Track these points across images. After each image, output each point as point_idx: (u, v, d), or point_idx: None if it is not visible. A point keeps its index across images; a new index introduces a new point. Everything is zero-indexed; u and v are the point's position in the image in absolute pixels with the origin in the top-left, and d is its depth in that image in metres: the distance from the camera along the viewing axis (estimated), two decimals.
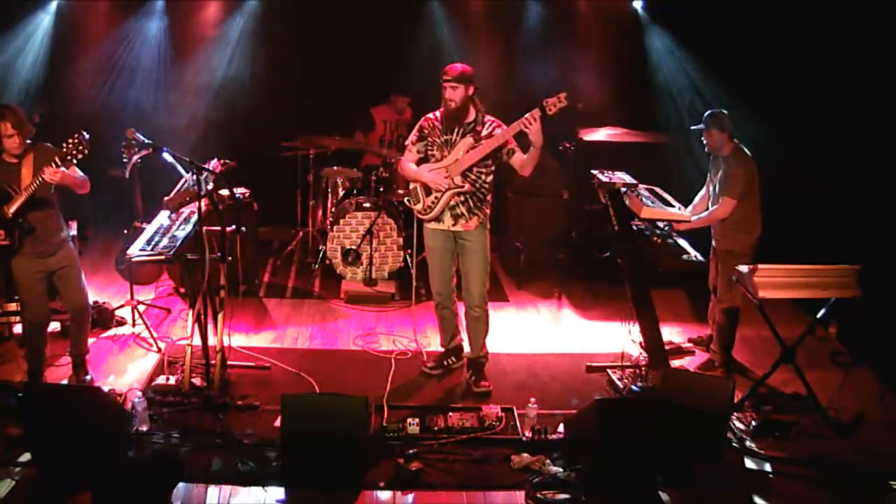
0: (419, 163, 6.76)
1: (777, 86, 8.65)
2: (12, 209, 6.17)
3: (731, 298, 7.11)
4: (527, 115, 6.25)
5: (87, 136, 6.02)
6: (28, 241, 6.31)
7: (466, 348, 7.18)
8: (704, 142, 7.15)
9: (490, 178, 6.67)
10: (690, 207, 7.43)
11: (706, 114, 7.14)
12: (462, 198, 6.62)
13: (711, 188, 7.29)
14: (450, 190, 6.59)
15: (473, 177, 6.60)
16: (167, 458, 5.60)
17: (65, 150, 6.01)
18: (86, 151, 6.03)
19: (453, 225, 6.70)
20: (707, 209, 7.25)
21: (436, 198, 6.65)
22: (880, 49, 7.61)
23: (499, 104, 7.06)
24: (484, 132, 6.54)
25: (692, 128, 7.29)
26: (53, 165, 6.01)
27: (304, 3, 10.24)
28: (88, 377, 6.83)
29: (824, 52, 8.09)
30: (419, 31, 10.50)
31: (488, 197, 6.72)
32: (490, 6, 10.65)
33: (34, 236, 6.32)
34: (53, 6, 9.96)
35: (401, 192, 9.10)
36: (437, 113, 6.71)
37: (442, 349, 7.26)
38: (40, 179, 6.06)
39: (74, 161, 6.08)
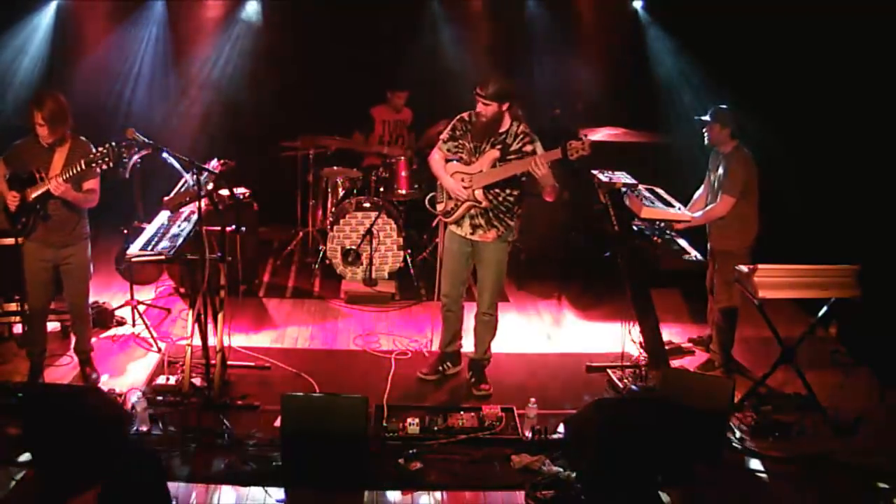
0: (448, 161, 6.66)
1: (777, 85, 8.67)
2: (33, 195, 6.29)
3: (729, 298, 7.12)
4: (537, 157, 6.17)
5: (115, 147, 6.12)
6: (41, 227, 6.41)
7: (469, 348, 7.15)
8: (705, 134, 7.16)
9: (517, 192, 6.51)
10: (689, 205, 7.43)
11: (713, 107, 7.13)
12: (481, 209, 6.52)
13: (710, 185, 7.31)
14: (468, 201, 6.50)
15: (497, 191, 6.45)
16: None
17: (92, 156, 6.13)
18: (112, 164, 6.15)
19: (471, 233, 6.61)
20: (705, 207, 7.26)
21: (456, 204, 6.58)
22: (880, 49, 7.64)
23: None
24: (513, 146, 6.38)
25: (696, 118, 7.28)
26: (78, 168, 6.13)
27: (303, 3, 10.25)
28: (95, 375, 6.87)
29: (824, 52, 8.12)
30: (419, 30, 10.54)
31: (515, 208, 6.57)
32: (490, 6, 10.69)
33: (48, 224, 6.41)
34: (53, 6, 9.99)
35: (402, 191, 9.12)
36: (471, 115, 6.54)
37: (438, 352, 7.20)
38: (46, 182, 6.19)
39: (98, 170, 6.20)
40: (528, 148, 6.38)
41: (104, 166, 6.17)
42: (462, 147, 6.56)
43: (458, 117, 6.63)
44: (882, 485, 5.70)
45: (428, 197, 6.93)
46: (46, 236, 6.45)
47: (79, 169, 6.15)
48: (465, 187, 6.47)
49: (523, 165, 6.28)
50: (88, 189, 6.46)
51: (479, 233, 6.59)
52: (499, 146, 6.39)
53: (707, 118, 7.11)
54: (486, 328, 6.91)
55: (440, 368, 7.12)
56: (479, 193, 6.45)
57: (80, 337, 6.95)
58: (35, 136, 6.32)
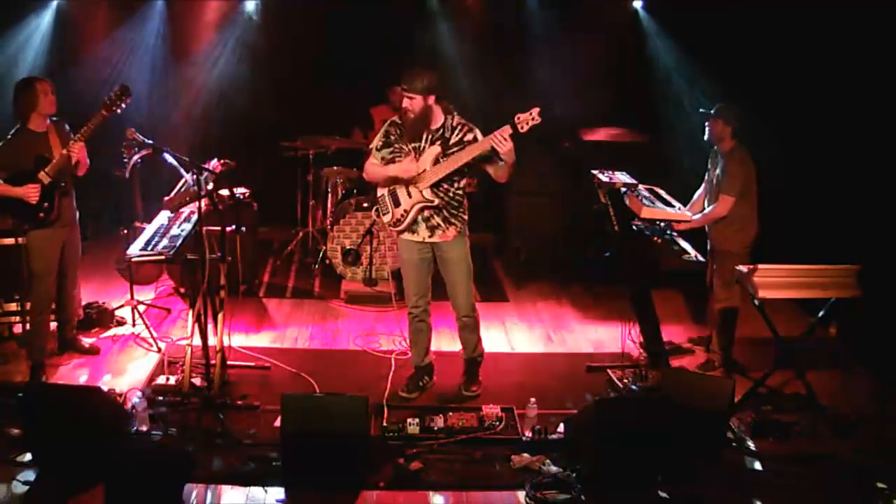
0: None
1: (777, 85, 8.67)
2: (53, 172, 6.52)
3: (729, 298, 7.13)
4: (497, 133, 5.99)
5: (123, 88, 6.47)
6: (61, 205, 6.67)
7: (458, 347, 7.12)
8: (707, 130, 7.17)
9: (463, 182, 6.42)
10: (689, 205, 7.46)
11: (719, 104, 7.14)
12: (434, 209, 6.39)
13: (709, 185, 7.33)
14: (418, 203, 6.35)
15: (445, 186, 6.34)
16: (178, 454, 5.64)
17: (108, 100, 6.39)
18: (128, 100, 6.47)
19: (430, 236, 6.46)
20: (704, 207, 7.29)
21: (405, 210, 6.41)
22: (880, 48, 7.64)
23: (497, 103, 7.04)
24: (453, 139, 6.28)
25: (701, 110, 7.27)
26: (79, 137, 6.48)
27: (303, 2, 10.28)
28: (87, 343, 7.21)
29: (824, 51, 8.13)
30: (418, 31, 10.58)
31: (465, 202, 6.48)
32: (489, 5, 10.72)
33: (65, 200, 6.69)
34: (53, 6, 10.01)
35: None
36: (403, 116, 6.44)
37: (413, 368, 7.01)
38: (66, 151, 6.49)
39: (118, 111, 6.45)
40: (469, 137, 6.26)
41: (123, 105, 6.45)
42: (399, 151, 6.41)
43: (388, 122, 6.51)
44: (881, 485, 5.68)
45: (374, 207, 6.74)
46: (64, 213, 6.69)
47: (97, 122, 6.44)
48: (408, 188, 6.37)
49: (482, 146, 6.13)
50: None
51: (438, 233, 6.44)
52: (439, 142, 6.29)
53: (711, 112, 7.12)
54: (470, 330, 6.77)
55: (420, 384, 6.94)
56: (427, 192, 6.33)
57: (73, 310, 7.22)
58: (18, 131, 6.55)
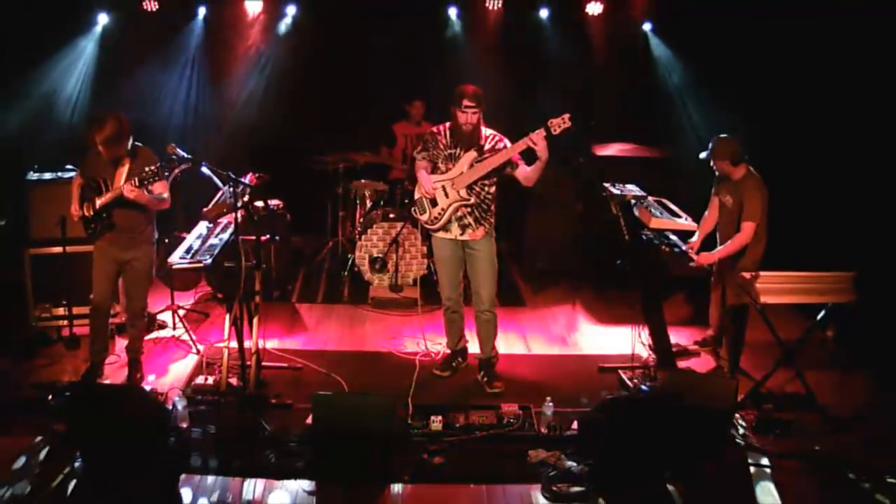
0: (432, 171, 6.96)
1: (782, 102, 8.78)
2: (99, 203, 6.61)
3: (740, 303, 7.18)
4: (532, 134, 6.44)
5: (164, 166, 6.43)
6: (107, 233, 6.74)
7: (474, 349, 7.43)
8: (715, 170, 7.33)
9: (493, 189, 6.86)
10: (700, 223, 7.53)
11: (711, 141, 7.25)
12: (468, 209, 6.82)
13: (719, 210, 7.40)
14: (455, 202, 6.79)
15: (478, 189, 6.80)
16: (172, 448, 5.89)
17: (143, 174, 6.42)
18: (154, 180, 6.43)
19: (461, 234, 6.92)
20: (714, 226, 7.43)
21: (441, 210, 6.86)
22: (878, 57, 7.79)
23: (511, 121, 7.29)
24: (487, 146, 6.75)
25: (700, 156, 7.36)
26: (135, 182, 6.42)
27: (337, 24, 10.50)
28: (139, 376, 7.10)
29: (822, 60, 8.28)
30: (439, 49, 10.82)
31: (493, 206, 6.92)
32: (505, 28, 10.86)
33: (113, 230, 6.74)
34: (99, 29, 10.24)
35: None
36: (443, 127, 6.89)
37: (448, 351, 7.49)
38: (119, 189, 6.49)
39: (147, 186, 6.46)
40: (500, 145, 6.74)
41: (149, 185, 6.47)
42: (437, 156, 6.91)
43: (428, 132, 7.03)
44: (865, 484, 5.87)
45: (412, 207, 7.14)
46: (113, 238, 6.76)
47: (137, 182, 6.40)
48: (445, 189, 6.82)
49: (518, 148, 6.57)
50: (158, 192, 6.70)
51: (468, 232, 6.89)
52: (474, 148, 6.75)
53: (707, 154, 7.25)
54: (489, 326, 7.10)
55: (453, 364, 7.39)
56: (463, 192, 6.78)
57: (130, 337, 7.14)
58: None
